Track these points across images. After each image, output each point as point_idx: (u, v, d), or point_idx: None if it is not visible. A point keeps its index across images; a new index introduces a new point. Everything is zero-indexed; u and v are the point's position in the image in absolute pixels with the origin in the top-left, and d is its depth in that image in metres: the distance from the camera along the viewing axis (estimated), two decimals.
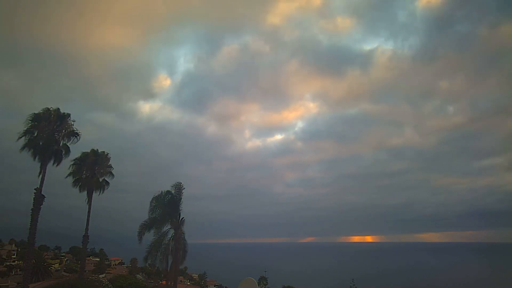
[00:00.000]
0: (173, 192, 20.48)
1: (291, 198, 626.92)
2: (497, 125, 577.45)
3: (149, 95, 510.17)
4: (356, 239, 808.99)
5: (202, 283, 69.74)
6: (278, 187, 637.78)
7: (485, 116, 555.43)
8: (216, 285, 74.18)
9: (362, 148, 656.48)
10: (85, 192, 25.33)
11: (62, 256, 79.47)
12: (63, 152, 22.36)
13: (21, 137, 20.90)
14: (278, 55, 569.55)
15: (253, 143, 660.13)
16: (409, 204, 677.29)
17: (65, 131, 22.36)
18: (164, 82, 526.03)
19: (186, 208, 21.35)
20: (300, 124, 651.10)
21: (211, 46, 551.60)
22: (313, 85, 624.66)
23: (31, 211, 20.48)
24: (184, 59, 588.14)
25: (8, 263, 55.69)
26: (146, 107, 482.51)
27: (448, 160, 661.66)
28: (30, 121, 21.36)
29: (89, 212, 25.21)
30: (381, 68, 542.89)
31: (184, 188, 20.59)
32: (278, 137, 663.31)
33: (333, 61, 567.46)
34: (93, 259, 79.34)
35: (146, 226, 19.80)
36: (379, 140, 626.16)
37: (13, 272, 49.20)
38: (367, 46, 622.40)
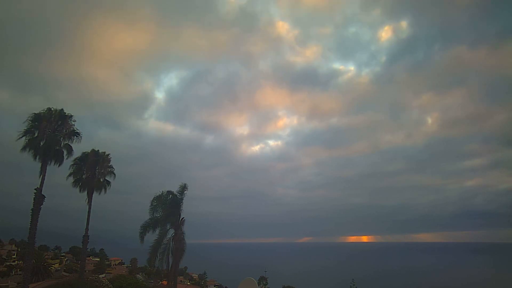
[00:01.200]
0: (175, 192, 20.43)
1: (288, 200, 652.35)
2: (475, 130, 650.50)
3: (150, 113, 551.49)
4: (352, 239, 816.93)
5: (202, 283, 69.70)
6: (275, 190, 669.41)
7: (459, 123, 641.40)
8: (216, 285, 74.08)
9: (353, 152, 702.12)
10: (85, 192, 25.25)
11: (62, 256, 79.40)
12: (65, 152, 22.12)
13: (21, 137, 20.55)
14: (258, 77, 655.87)
15: (250, 150, 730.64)
16: (404, 205, 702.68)
17: (66, 131, 22.08)
18: (161, 101, 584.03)
19: (188, 209, 21.37)
20: (290, 133, 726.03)
21: (197, 73, 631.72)
22: (288, 101, 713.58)
23: (31, 211, 20.32)
24: (176, 82, 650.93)
25: (8, 263, 55.60)
26: (147, 124, 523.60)
27: (438, 163, 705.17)
28: (31, 121, 21.03)
29: (89, 212, 25.07)
30: (351, 87, 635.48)
31: (187, 189, 20.55)
32: (272, 144, 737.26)
33: (308, 81, 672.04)
34: (93, 259, 79.32)
35: (147, 226, 19.75)
36: (368, 145, 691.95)
37: (13, 272, 49.09)
38: (339, 67, 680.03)
